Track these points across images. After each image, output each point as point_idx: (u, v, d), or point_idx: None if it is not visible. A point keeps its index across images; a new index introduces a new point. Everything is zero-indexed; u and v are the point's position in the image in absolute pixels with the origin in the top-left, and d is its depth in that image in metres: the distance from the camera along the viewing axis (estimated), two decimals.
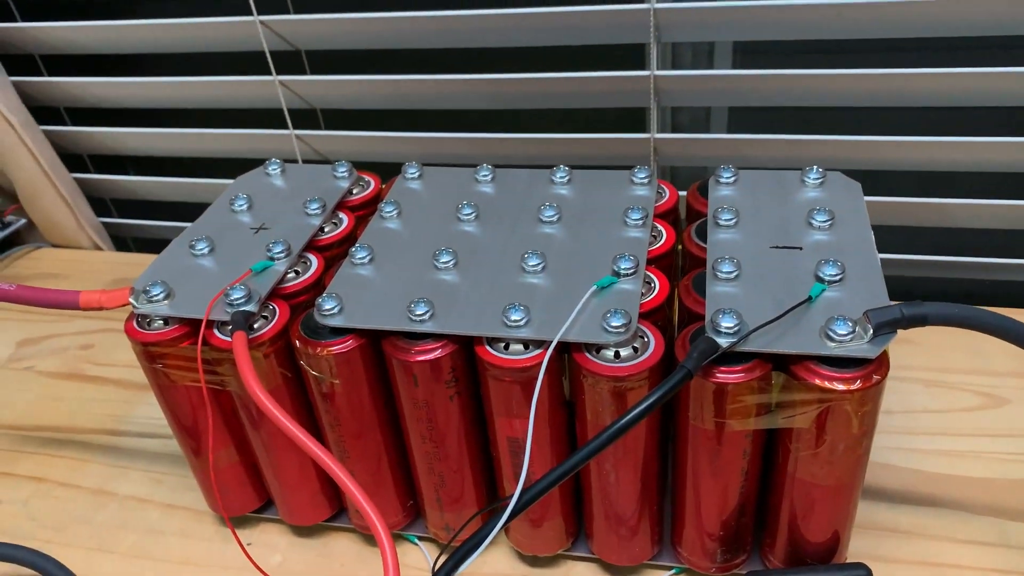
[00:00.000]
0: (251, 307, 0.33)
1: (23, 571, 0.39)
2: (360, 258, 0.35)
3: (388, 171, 0.43)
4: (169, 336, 0.34)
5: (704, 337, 0.29)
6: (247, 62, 0.57)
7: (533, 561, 0.38)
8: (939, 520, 0.38)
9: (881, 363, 0.28)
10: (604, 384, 0.29)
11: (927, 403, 0.44)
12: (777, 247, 0.33)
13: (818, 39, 0.48)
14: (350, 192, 0.41)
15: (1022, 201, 0.50)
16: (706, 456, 0.31)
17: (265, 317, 0.34)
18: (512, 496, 0.28)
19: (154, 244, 0.71)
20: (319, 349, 0.32)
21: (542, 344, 0.30)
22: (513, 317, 0.30)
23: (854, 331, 0.28)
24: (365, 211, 0.41)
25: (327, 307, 0.32)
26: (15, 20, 0.64)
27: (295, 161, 0.61)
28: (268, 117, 0.60)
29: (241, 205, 0.40)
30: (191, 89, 0.61)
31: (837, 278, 0.31)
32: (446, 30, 0.53)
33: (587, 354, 0.30)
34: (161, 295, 0.34)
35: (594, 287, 0.31)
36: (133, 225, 0.71)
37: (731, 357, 0.29)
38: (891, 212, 0.53)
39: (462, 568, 0.28)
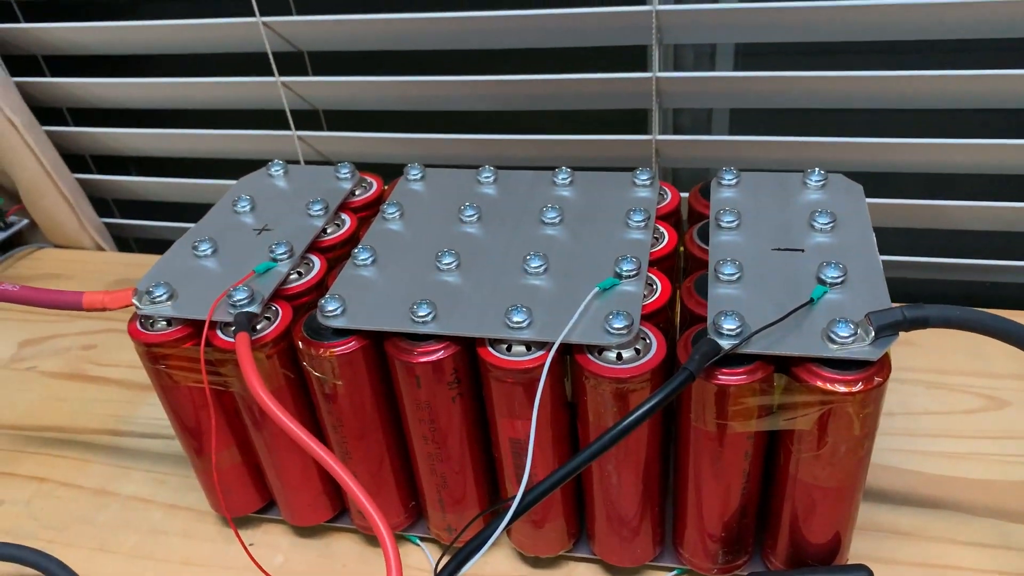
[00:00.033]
0: (254, 308, 0.33)
1: (26, 571, 0.39)
2: (363, 259, 0.35)
3: (390, 172, 0.43)
4: (172, 337, 0.34)
5: (706, 339, 0.29)
6: (249, 63, 0.57)
7: (535, 562, 0.38)
8: (940, 522, 0.38)
9: (883, 365, 0.28)
10: (606, 386, 0.30)
11: (928, 405, 0.45)
12: (779, 249, 0.33)
13: (819, 41, 0.48)
14: (352, 193, 0.42)
15: (1022, 203, 0.50)
16: (708, 458, 0.31)
17: (268, 318, 0.34)
18: (514, 497, 0.28)
19: (156, 244, 0.71)
20: (322, 350, 0.32)
21: (544, 345, 0.30)
22: (515, 319, 0.31)
23: (856, 333, 0.28)
24: (367, 212, 0.41)
25: (330, 308, 0.32)
26: (18, 21, 0.64)
27: (297, 162, 0.61)
28: (270, 118, 0.60)
29: (244, 206, 0.40)
30: (193, 90, 0.61)
31: (839, 280, 0.31)
32: (448, 31, 0.53)
33: (589, 356, 0.30)
34: (164, 296, 0.34)
35: (596, 289, 0.32)
36: (135, 225, 0.71)
37: (733, 359, 0.29)
38: (892, 214, 0.53)
39: (465, 569, 0.28)
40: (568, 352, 0.31)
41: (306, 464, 0.37)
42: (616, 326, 0.30)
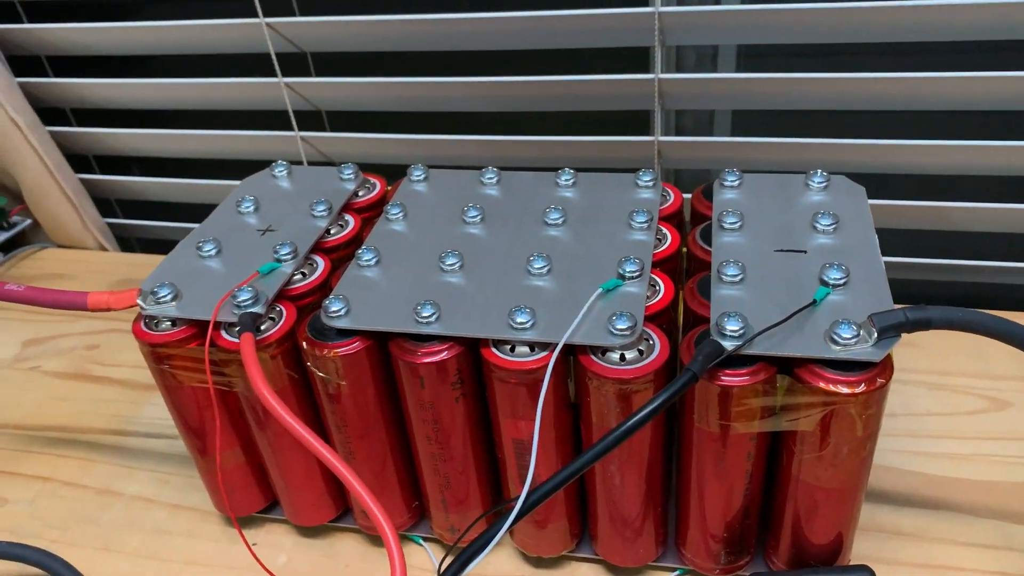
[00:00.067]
0: (258, 309, 0.33)
1: (30, 570, 0.39)
2: (366, 260, 0.35)
3: (393, 173, 0.43)
4: (177, 337, 0.34)
5: (709, 340, 0.29)
6: (253, 64, 0.57)
7: (537, 562, 0.38)
8: (942, 523, 0.38)
9: (885, 367, 0.29)
10: (609, 386, 0.30)
11: (930, 406, 0.45)
12: (782, 251, 0.33)
13: (821, 43, 0.49)
14: (356, 194, 0.42)
15: (1023, 205, 0.50)
16: (711, 458, 0.31)
17: (272, 319, 0.34)
18: (518, 497, 0.28)
19: (159, 245, 0.71)
20: (326, 351, 0.32)
21: (548, 346, 0.30)
22: (519, 319, 0.31)
23: (858, 335, 0.28)
24: (371, 213, 0.41)
25: (334, 309, 0.32)
26: (21, 21, 0.64)
27: (300, 163, 0.61)
28: (273, 119, 0.60)
29: (248, 207, 0.40)
30: (196, 90, 0.61)
31: (841, 282, 0.31)
32: (451, 33, 0.53)
33: (592, 356, 0.30)
34: (169, 296, 0.34)
35: (599, 290, 0.32)
36: (138, 226, 0.71)
37: (736, 360, 0.29)
38: (894, 215, 0.53)
39: (469, 569, 0.28)
40: (571, 353, 0.31)
41: (309, 464, 0.37)
42: (619, 327, 0.30)
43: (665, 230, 0.36)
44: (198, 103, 0.62)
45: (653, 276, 0.33)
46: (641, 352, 0.30)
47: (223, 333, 0.34)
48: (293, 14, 0.58)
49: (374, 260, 0.35)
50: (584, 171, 0.40)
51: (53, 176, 0.64)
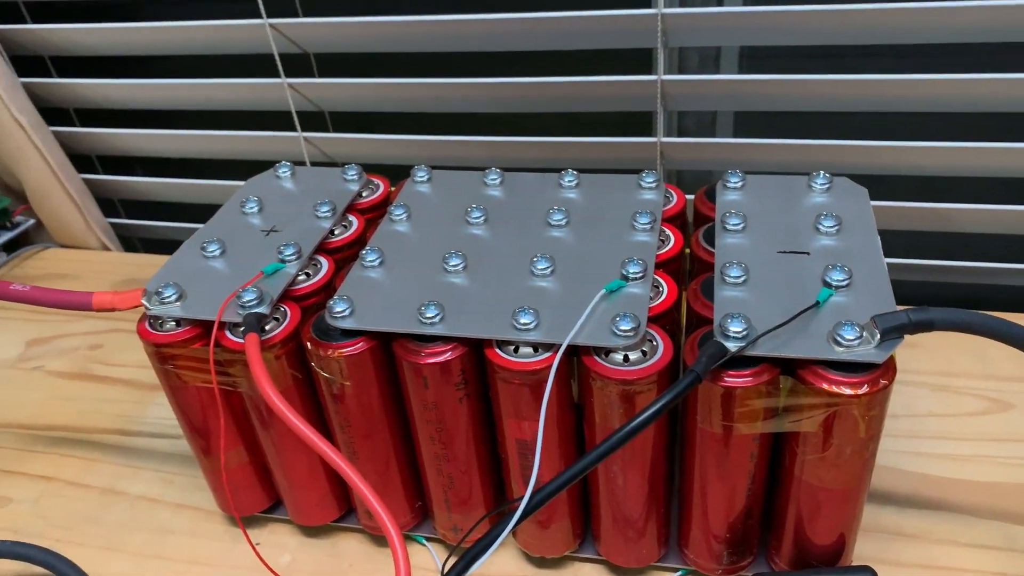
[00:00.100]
0: (263, 309, 0.33)
1: (35, 570, 0.39)
2: (370, 261, 0.35)
3: (396, 174, 0.44)
4: (181, 337, 0.34)
5: (713, 341, 0.29)
6: (256, 64, 0.58)
7: (540, 562, 0.38)
8: (944, 524, 0.38)
9: (888, 368, 0.29)
10: (613, 387, 0.30)
11: (932, 407, 0.45)
12: (785, 252, 0.34)
13: (823, 44, 0.49)
14: (360, 195, 0.42)
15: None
16: (713, 459, 0.31)
17: (276, 319, 0.34)
18: (522, 498, 0.28)
19: (161, 245, 0.71)
20: (330, 351, 0.32)
21: (551, 347, 0.30)
22: (522, 320, 0.31)
23: (861, 336, 0.28)
24: (374, 214, 0.41)
25: (338, 309, 0.32)
26: (25, 22, 0.65)
27: (303, 163, 0.61)
28: (276, 119, 0.60)
29: (252, 207, 0.40)
30: (200, 91, 0.61)
31: (844, 283, 0.31)
32: (454, 34, 0.53)
33: (596, 357, 0.30)
34: (173, 297, 0.34)
35: (603, 291, 0.32)
36: (140, 226, 0.71)
37: (739, 361, 0.29)
38: (896, 217, 0.53)
39: (473, 569, 0.28)
40: (575, 354, 0.31)
41: (313, 464, 0.37)
42: (623, 328, 0.30)
43: (668, 231, 0.37)
44: (201, 103, 0.62)
45: (656, 277, 0.34)
46: (644, 353, 0.30)
47: (228, 333, 0.34)
48: (296, 15, 0.58)
49: (378, 261, 0.35)
50: (587, 172, 0.41)
51: (56, 176, 0.64)
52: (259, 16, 0.54)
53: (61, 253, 0.69)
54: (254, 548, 0.36)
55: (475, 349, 0.32)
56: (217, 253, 0.37)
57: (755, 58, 0.56)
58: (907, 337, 0.29)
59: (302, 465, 0.37)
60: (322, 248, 0.38)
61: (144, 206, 0.72)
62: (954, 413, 0.44)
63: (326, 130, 0.62)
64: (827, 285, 0.31)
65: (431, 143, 0.58)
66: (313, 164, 0.61)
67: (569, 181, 0.40)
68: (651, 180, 0.39)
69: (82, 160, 0.68)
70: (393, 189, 0.42)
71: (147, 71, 0.67)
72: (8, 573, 0.40)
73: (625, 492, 0.33)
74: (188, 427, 0.38)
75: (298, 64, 0.58)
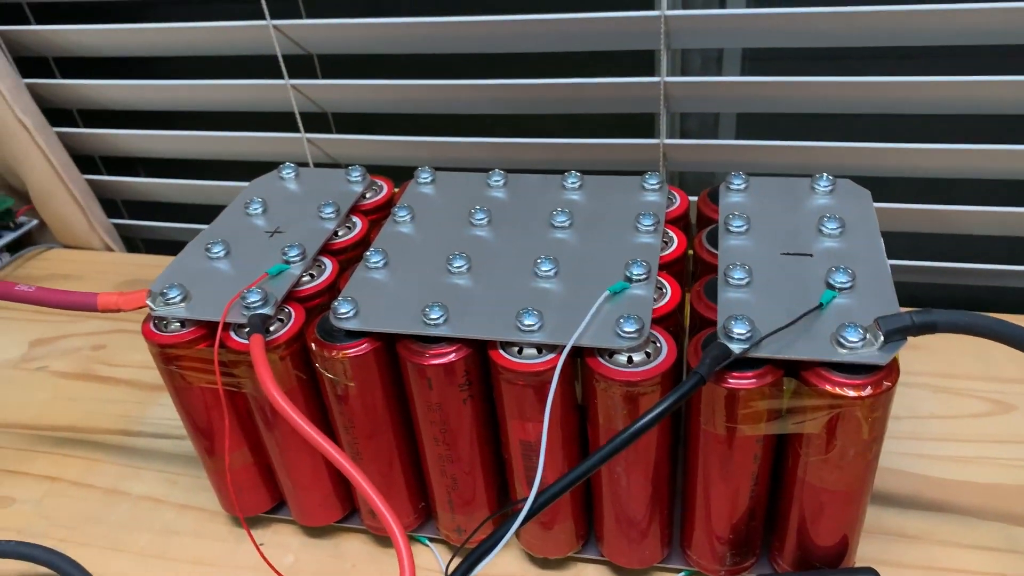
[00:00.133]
0: (267, 310, 0.33)
1: (39, 570, 0.39)
2: (374, 262, 0.35)
3: (399, 175, 0.44)
4: (186, 338, 0.34)
5: (716, 343, 0.29)
6: (259, 66, 0.58)
7: (543, 563, 0.38)
8: (946, 525, 0.39)
9: (891, 370, 0.29)
10: (617, 389, 0.30)
11: (935, 409, 0.45)
12: (788, 254, 0.34)
13: (826, 46, 0.49)
14: (363, 196, 0.42)
15: None
16: (717, 460, 0.31)
17: (281, 320, 0.34)
18: (526, 499, 0.28)
19: (164, 245, 0.72)
20: (334, 352, 0.32)
21: (555, 348, 0.31)
22: (526, 321, 0.31)
23: (865, 338, 0.28)
24: (378, 215, 0.41)
25: (342, 311, 0.32)
26: (29, 23, 0.65)
27: (306, 164, 0.61)
28: (279, 120, 0.60)
29: (256, 209, 0.40)
30: (203, 92, 0.61)
31: (847, 285, 0.31)
32: (457, 35, 0.53)
33: (600, 359, 0.30)
34: (178, 298, 0.34)
35: (607, 292, 0.32)
36: (143, 227, 0.71)
37: (743, 363, 0.29)
38: (898, 218, 0.53)
39: (477, 570, 0.28)
40: (579, 355, 0.31)
41: (317, 464, 0.37)
42: (627, 329, 0.30)
43: (671, 233, 0.37)
44: (204, 104, 0.62)
45: (660, 279, 0.34)
46: (648, 355, 0.30)
47: (232, 334, 0.34)
48: (300, 16, 0.58)
49: (382, 262, 0.35)
50: (590, 174, 0.41)
51: (60, 177, 0.65)
52: (262, 17, 0.54)
53: (64, 254, 0.69)
54: (258, 548, 0.36)
55: (479, 350, 0.32)
56: (221, 254, 0.37)
57: (758, 60, 0.56)
58: (910, 339, 0.29)
59: (306, 465, 0.37)
60: (326, 249, 0.38)
61: (147, 207, 0.72)
62: (956, 415, 0.44)
63: (329, 131, 0.62)
64: (830, 287, 0.31)
65: (434, 144, 0.58)
66: (316, 165, 0.62)
67: (572, 183, 0.40)
68: (654, 182, 0.39)
69: (85, 161, 0.68)
70: (397, 190, 0.43)
71: (150, 72, 0.67)
72: (12, 573, 0.40)
73: (628, 493, 0.33)
74: (192, 428, 0.38)
75: (301, 65, 0.58)
